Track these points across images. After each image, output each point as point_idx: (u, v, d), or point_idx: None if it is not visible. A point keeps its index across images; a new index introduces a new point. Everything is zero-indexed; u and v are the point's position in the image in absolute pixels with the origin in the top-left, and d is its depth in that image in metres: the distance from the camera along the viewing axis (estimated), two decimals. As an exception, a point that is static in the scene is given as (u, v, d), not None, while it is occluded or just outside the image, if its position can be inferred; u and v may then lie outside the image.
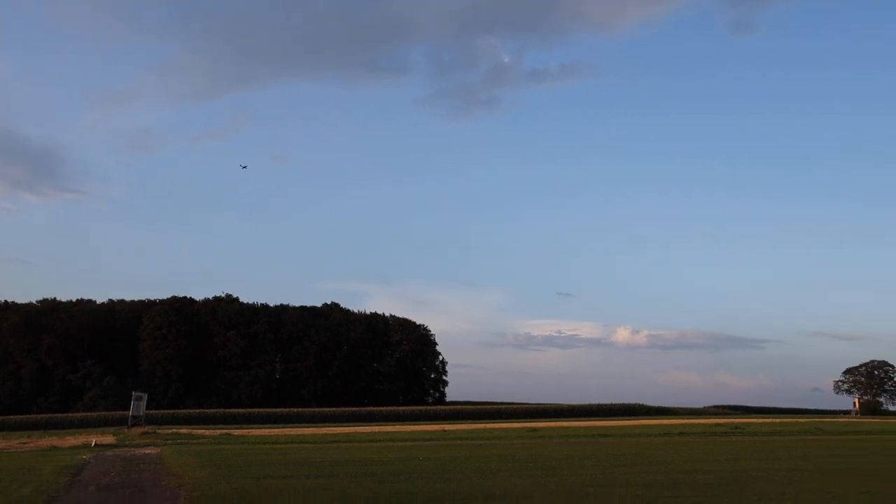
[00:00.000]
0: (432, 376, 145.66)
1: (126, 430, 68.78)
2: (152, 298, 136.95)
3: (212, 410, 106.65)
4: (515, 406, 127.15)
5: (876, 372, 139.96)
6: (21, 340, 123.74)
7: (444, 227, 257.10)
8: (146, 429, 67.67)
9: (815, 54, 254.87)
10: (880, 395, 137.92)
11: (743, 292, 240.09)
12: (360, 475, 25.54)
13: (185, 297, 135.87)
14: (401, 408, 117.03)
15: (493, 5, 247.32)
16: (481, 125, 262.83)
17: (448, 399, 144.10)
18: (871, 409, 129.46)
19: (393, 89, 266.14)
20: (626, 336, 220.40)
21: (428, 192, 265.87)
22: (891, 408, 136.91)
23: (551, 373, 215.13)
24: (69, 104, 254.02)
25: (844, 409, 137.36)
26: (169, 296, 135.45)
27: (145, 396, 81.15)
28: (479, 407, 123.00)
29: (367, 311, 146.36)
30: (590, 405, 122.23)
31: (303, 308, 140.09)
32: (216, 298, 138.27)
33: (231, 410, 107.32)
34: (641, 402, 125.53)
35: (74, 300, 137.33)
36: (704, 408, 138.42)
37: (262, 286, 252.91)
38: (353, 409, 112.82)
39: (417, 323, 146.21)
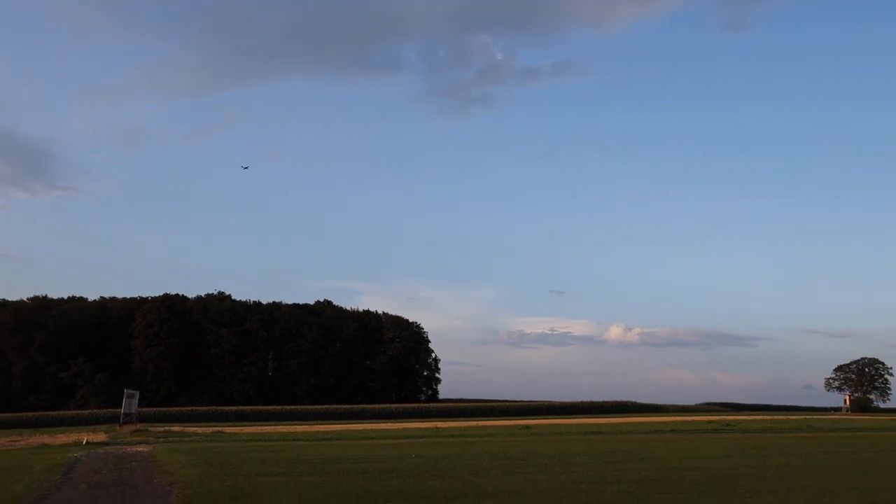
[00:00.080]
0: (425, 374, 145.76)
1: (118, 427, 68.62)
2: (144, 296, 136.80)
3: (204, 408, 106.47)
4: (508, 403, 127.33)
5: (867, 369, 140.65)
6: (12, 338, 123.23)
7: (438, 225, 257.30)
8: (138, 426, 67.51)
9: (807, 52, 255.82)
10: (871, 393, 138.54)
11: (735, 290, 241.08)
12: (353, 473, 25.53)
13: (177, 295, 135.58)
14: (393, 405, 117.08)
15: (487, 3, 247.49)
16: (474, 123, 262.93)
17: (441, 397, 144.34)
18: (861, 406, 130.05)
19: (386, 87, 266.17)
20: (619, 334, 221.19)
21: (421, 190, 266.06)
22: (881, 405, 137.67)
23: (544, 370, 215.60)
24: (60, 101, 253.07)
25: (835, 406, 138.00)
26: (161, 293, 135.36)
27: (137, 394, 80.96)
28: (471, 404, 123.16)
29: (360, 309, 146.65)
30: (582, 403, 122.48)
31: (295, 305, 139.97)
32: (208, 296, 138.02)
33: (223, 408, 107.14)
34: (634, 399, 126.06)
35: (66, 298, 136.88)
36: (696, 405, 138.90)
37: (255, 284, 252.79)
38: (346, 406, 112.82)
39: (410, 320, 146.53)
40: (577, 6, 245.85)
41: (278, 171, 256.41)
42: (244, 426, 77.45)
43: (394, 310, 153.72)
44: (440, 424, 74.21)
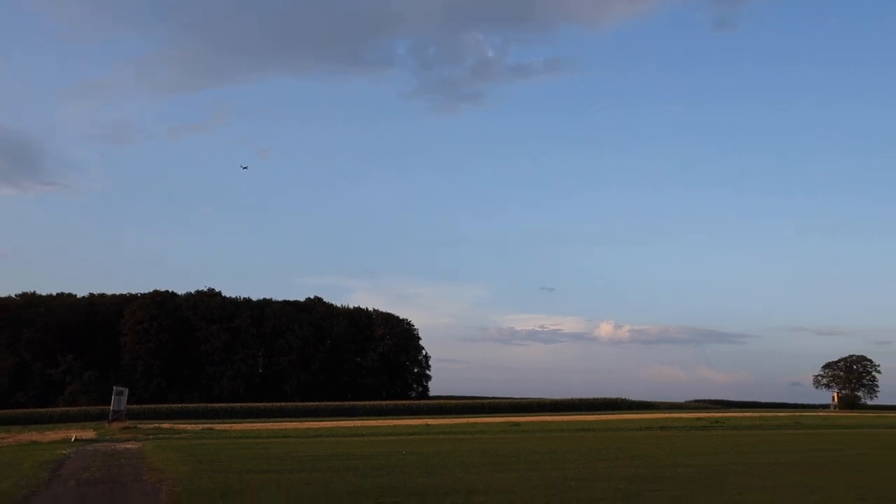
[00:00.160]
0: (415, 371, 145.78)
1: (107, 424, 68.34)
2: (133, 292, 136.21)
3: (194, 405, 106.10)
4: (498, 401, 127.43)
5: (854, 366, 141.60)
6: (0, 335, 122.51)
7: (428, 222, 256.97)
8: (127, 423, 67.24)
9: (795, 49, 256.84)
10: (858, 390, 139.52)
11: (725, 288, 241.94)
12: (343, 469, 25.51)
13: (166, 292, 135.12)
14: (384, 402, 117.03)
15: (478, 0, 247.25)
16: (465, 120, 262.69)
17: (431, 394, 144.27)
18: (849, 403, 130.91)
19: (377, 83, 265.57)
20: (609, 331, 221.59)
21: (412, 187, 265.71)
22: (869, 402, 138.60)
23: (534, 367, 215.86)
24: (48, 96, 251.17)
25: (823, 403, 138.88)
26: (151, 290, 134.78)
27: (126, 391, 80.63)
28: (462, 402, 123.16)
29: (351, 306, 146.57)
30: (572, 400, 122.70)
31: (286, 302, 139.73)
32: (198, 292, 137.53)
33: (213, 405, 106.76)
34: (624, 396, 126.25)
35: (54, 294, 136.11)
36: (686, 402, 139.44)
37: (245, 280, 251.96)
38: (336, 403, 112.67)
39: (401, 317, 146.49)
40: (569, 4, 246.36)
41: (268, 168, 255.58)
42: (234, 423, 77.24)
43: (384, 307, 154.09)
44: (431, 421, 74.22)
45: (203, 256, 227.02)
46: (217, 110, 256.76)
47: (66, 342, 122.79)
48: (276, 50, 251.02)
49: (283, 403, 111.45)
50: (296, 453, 33.17)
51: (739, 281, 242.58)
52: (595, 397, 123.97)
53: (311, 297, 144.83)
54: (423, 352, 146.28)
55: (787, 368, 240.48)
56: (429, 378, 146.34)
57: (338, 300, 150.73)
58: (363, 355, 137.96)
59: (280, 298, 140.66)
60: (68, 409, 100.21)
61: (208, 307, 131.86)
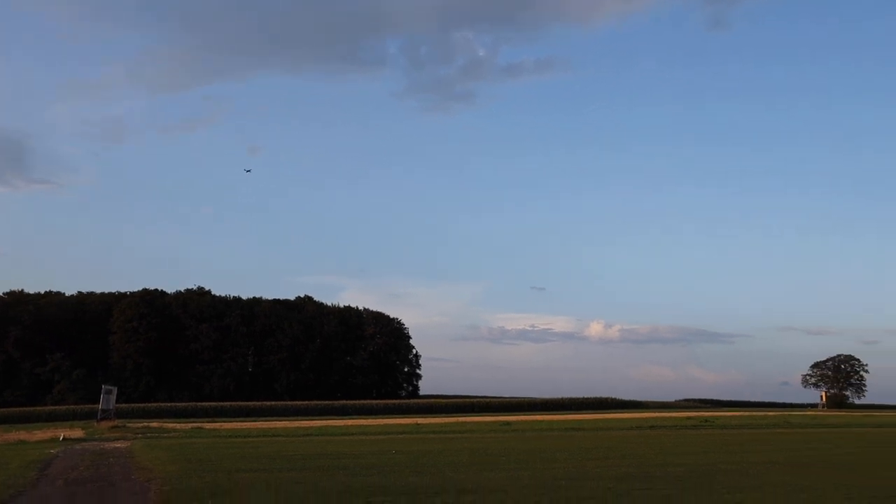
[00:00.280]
0: (406, 370, 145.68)
1: (95, 423, 68.01)
2: (123, 291, 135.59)
3: (183, 404, 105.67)
4: (489, 400, 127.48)
5: (843, 366, 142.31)
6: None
7: (419, 221, 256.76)
8: (116, 422, 66.95)
9: (788, 48, 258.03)
10: (846, 389, 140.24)
11: (714, 287, 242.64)
12: (333, 468, 25.48)
13: (156, 290, 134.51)
14: (374, 401, 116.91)
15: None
16: (456, 119, 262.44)
17: (421, 393, 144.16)
18: (837, 402, 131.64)
19: (369, 82, 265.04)
20: (600, 330, 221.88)
21: (403, 186, 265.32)
22: (857, 401, 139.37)
23: (525, 367, 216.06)
24: (39, 94, 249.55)
25: (812, 402, 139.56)
26: (140, 288, 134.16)
27: (115, 390, 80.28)
28: (452, 401, 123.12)
29: (341, 305, 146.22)
30: (563, 399, 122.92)
31: (276, 301, 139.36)
32: (188, 291, 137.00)
33: (203, 404, 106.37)
34: (614, 395, 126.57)
35: (43, 292, 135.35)
36: (676, 401, 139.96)
37: (235, 279, 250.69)
38: (326, 402, 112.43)
39: (391, 316, 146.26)
40: (560, 3, 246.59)
41: (260, 167, 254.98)
42: (224, 422, 77.00)
43: (374, 306, 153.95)
44: (421, 421, 74.20)
45: (193, 255, 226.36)
46: (209, 109, 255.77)
47: (54, 341, 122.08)
48: (268, 49, 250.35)
49: (272, 402, 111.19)
50: (285, 452, 33.10)
51: (729, 281, 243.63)
52: (585, 397, 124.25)
53: (302, 295, 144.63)
54: (414, 351, 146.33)
55: (777, 368, 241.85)
56: (419, 377, 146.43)
57: (328, 299, 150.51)
58: (353, 354, 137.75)
59: (270, 297, 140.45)
60: (56, 407, 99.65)
61: (198, 306, 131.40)
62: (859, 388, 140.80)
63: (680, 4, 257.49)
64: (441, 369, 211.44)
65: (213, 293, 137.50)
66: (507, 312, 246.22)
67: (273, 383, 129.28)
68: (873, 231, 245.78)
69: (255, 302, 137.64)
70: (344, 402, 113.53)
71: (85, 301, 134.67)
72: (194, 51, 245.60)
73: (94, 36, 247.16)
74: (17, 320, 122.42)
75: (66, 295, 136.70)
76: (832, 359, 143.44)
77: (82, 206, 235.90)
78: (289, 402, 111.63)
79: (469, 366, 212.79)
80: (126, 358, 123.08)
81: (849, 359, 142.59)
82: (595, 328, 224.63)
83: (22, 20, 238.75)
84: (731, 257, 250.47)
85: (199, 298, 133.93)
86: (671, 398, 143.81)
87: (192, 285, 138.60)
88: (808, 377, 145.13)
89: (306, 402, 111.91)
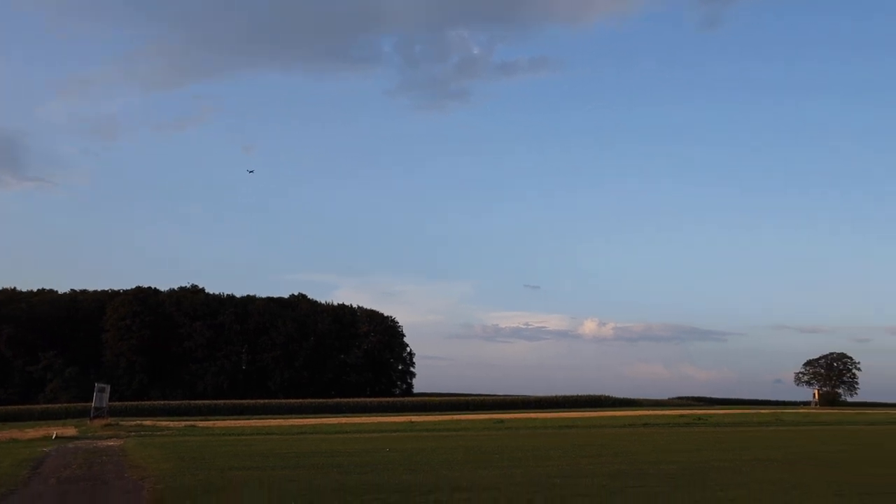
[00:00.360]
0: (400, 368, 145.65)
1: (88, 421, 67.78)
2: (116, 289, 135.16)
3: (176, 402, 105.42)
4: (482, 398, 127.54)
5: (835, 364, 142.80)
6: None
7: (413, 219, 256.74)
8: (109, 420, 66.72)
9: (781, 47, 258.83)
10: (839, 387, 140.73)
11: (707, 286, 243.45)
12: (327, 466, 25.46)
13: (149, 288, 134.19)
14: (368, 399, 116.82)
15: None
16: (450, 117, 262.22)
17: (415, 391, 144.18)
18: (829, 400, 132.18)
19: (362, 80, 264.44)
20: (593, 328, 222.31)
21: (397, 184, 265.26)
22: (849, 399, 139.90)
23: (518, 365, 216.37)
24: (32, 91, 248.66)
25: (804, 400, 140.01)
26: (133, 286, 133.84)
27: (108, 388, 79.95)
28: (446, 399, 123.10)
29: (335, 303, 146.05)
30: (556, 397, 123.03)
31: (269, 299, 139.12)
32: (181, 289, 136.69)
33: (196, 402, 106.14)
34: (607, 393, 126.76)
35: (35, 290, 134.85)
36: (669, 399, 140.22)
37: (229, 277, 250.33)
38: (320, 400, 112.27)
39: (385, 314, 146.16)
40: (554, 2, 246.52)
41: (252, 165, 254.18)
42: (217, 420, 76.84)
43: (369, 304, 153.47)
44: (414, 418, 74.21)
45: (187, 253, 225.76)
46: (203, 107, 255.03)
47: (47, 339, 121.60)
48: (261, 47, 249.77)
49: (266, 400, 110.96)
50: (279, 450, 33.07)
51: (722, 279, 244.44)
52: (579, 394, 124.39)
53: (296, 293, 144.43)
54: (408, 349, 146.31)
55: (770, 366, 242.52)
56: (413, 375, 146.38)
57: (322, 297, 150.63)
58: (347, 352, 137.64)
59: (264, 295, 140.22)
60: (49, 406, 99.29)
61: (191, 304, 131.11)
62: (852, 385, 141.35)
63: (673, 4, 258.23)
64: (435, 367, 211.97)
65: (206, 291, 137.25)
66: (500, 310, 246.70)
67: (267, 381, 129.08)
68: (866, 230, 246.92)
69: (249, 300, 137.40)
70: (338, 400, 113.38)
71: (78, 299, 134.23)
72: (187, 48, 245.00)
73: (87, 33, 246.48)
74: (9, 318, 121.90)
75: (59, 293, 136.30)
76: (825, 357, 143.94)
77: (75, 203, 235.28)
78: (282, 401, 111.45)
79: (463, 364, 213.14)
80: (119, 356, 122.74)
81: (841, 357, 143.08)
82: (589, 326, 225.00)
83: (15, 17, 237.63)
84: (724, 256, 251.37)
85: (192, 296, 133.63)
86: (664, 396, 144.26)
87: (186, 283, 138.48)
88: (800, 375, 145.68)
89: (300, 400, 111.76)
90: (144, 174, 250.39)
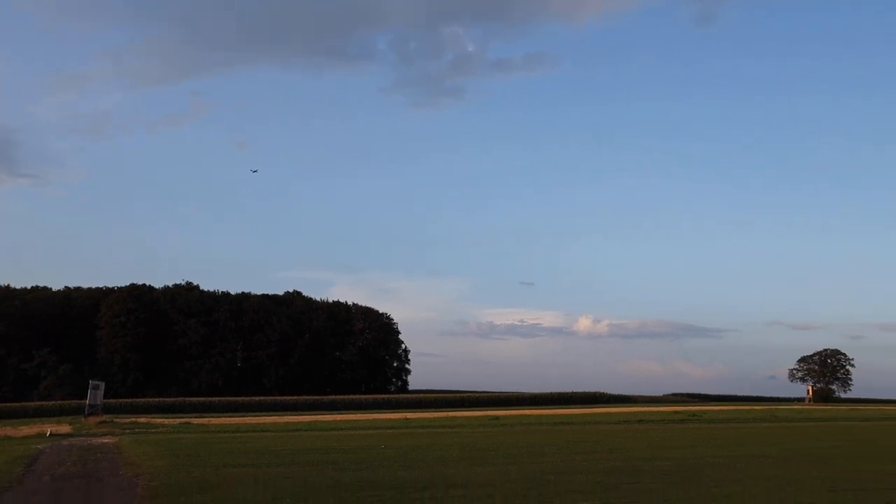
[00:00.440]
0: (395, 365, 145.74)
1: (83, 419, 67.65)
2: (110, 286, 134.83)
3: (171, 399, 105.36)
4: (478, 394, 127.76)
5: (829, 360, 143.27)
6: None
7: (408, 216, 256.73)
8: (103, 418, 66.63)
9: (778, 43, 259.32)
10: (832, 383, 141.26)
11: (702, 282, 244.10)
12: (322, 463, 25.45)
13: (144, 285, 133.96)
14: (363, 396, 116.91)
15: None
16: (445, 114, 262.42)
17: (410, 387, 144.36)
18: (823, 396, 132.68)
19: (357, 77, 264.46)
20: (588, 325, 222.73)
21: (392, 181, 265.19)
22: (842, 395, 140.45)
23: (513, 361, 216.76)
24: (25, 88, 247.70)
25: (798, 396, 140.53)
26: (128, 283, 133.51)
27: (102, 385, 79.85)
28: (441, 395, 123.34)
29: (330, 300, 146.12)
30: (551, 394, 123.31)
31: (264, 296, 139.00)
32: (176, 286, 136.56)
33: (191, 399, 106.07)
34: (602, 390, 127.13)
35: (29, 287, 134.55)
36: (664, 396, 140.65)
37: (224, 274, 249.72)
38: (315, 397, 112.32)
39: (380, 311, 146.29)
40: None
41: (247, 161, 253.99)
42: (212, 417, 76.78)
43: (364, 301, 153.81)
44: (410, 415, 74.26)
45: (181, 250, 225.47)
46: (197, 103, 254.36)
47: (41, 336, 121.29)
48: (257, 43, 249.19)
49: (261, 397, 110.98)
50: (274, 447, 33.04)
51: (717, 276, 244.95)
52: (574, 391, 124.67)
53: (291, 291, 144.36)
54: (403, 346, 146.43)
55: (764, 362, 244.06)
56: (408, 372, 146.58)
57: (317, 294, 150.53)
58: (342, 349, 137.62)
59: (259, 292, 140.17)
60: (43, 403, 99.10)
61: (186, 301, 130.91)
62: (845, 382, 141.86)
63: (667, 0, 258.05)
64: (430, 364, 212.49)
65: (201, 288, 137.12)
66: (495, 307, 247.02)
67: (262, 378, 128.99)
68: (860, 227, 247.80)
69: (244, 297, 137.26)
70: (333, 397, 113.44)
71: (72, 296, 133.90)
72: (181, 45, 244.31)
73: (80, 29, 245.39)
74: (3, 315, 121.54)
75: (53, 290, 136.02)
76: (818, 353, 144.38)
77: (69, 200, 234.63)
78: (277, 398, 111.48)
79: (458, 360, 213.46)
80: (114, 353, 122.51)
81: (835, 353, 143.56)
82: (584, 323, 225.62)
83: (7, 13, 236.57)
84: (718, 253, 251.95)
85: (187, 293, 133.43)
86: (659, 392, 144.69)
87: (181, 280, 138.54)
88: (794, 371, 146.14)
89: (295, 397, 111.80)
90: (139, 171, 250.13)
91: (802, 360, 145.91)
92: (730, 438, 38.26)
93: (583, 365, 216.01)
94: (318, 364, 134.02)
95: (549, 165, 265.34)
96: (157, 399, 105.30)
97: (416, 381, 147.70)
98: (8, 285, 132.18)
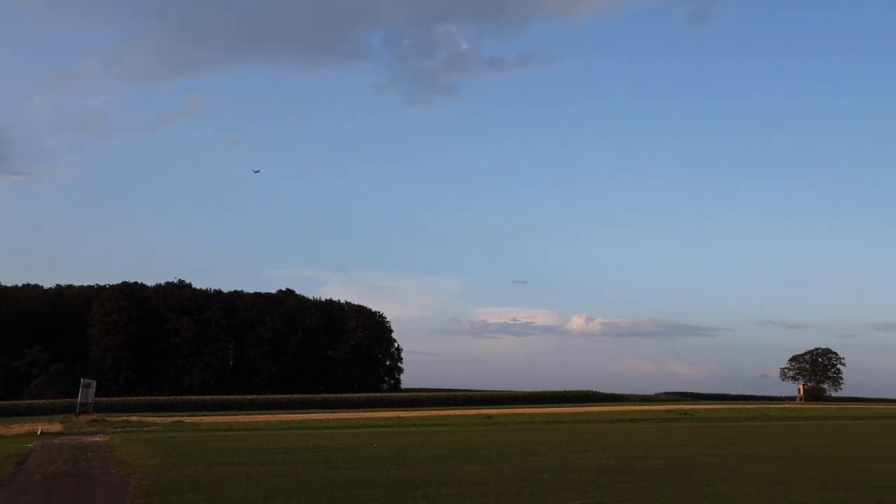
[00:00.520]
0: (388, 363, 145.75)
1: (74, 417, 67.40)
2: (102, 284, 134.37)
3: (163, 398, 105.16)
4: (470, 393, 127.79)
5: (820, 359, 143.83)
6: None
7: (401, 215, 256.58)
8: (95, 416, 66.40)
9: (773, 43, 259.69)
10: (824, 382, 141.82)
11: (694, 282, 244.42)
12: (314, 462, 25.42)
13: (136, 283, 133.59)
14: (356, 395, 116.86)
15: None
16: (439, 112, 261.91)
17: (403, 386, 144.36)
18: (814, 395, 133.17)
19: (351, 75, 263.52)
20: (581, 324, 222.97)
21: (385, 180, 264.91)
22: (834, 394, 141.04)
23: (506, 360, 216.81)
24: (18, 85, 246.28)
25: (790, 395, 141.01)
26: (119, 281, 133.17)
27: (94, 383, 79.59)
28: (434, 394, 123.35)
29: (323, 298, 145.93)
30: (544, 392, 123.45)
31: (257, 294, 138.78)
32: (168, 284, 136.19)
33: (183, 397, 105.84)
34: (595, 389, 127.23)
35: (20, 285, 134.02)
36: (656, 394, 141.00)
37: (216, 272, 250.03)
38: (308, 395, 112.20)
39: (373, 310, 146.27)
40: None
41: (241, 160, 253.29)
42: (204, 416, 76.58)
43: (356, 299, 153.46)
44: (402, 414, 74.24)
45: (173, 248, 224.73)
46: (191, 101, 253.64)
47: (32, 334, 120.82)
48: (251, 41, 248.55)
49: (253, 396, 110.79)
50: (267, 446, 32.98)
51: (709, 276, 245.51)
52: (566, 390, 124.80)
53: (283, 289, 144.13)
54: (396, 344, 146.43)
55: (755, 361, 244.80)
56: (401, 370, 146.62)
57: (310, 293, 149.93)
58: (335, 348, 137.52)
59: (251, 290, 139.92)
60: (34, 401, 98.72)
61: (178, 299, 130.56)
62: (836, 381, 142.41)
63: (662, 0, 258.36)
64: (423, 363, 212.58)
65: (193, 286, 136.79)
66: (488, 306, 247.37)
67: (254, 377, 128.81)
68: (854, 227, 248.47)
69: (237, 295, 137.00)
70: (325, 395, 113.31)
71: (63, 294, 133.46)
72: (174, 42, 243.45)
73: (73, 26, 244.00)
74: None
75: (45, 288, 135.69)
76: (810, 352, 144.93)
77: (61, 198, 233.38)
78: (270, 396, 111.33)
79: (451, 359, 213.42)
80: (105, 351, 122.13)
81: (826, 352, 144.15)
82: (576, 322, 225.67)
83: (0, 11, 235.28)
84: (711, 252, 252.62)
85: (179, 291, 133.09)
86: (651, 391, 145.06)
87: (173, 278, 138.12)
88: (786, 370, 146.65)
89: (288, 395, 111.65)
90: (132, 169, 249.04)
91: (794, 359, 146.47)
92: (721, 437, 38.38)
93: (575, 364, 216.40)
94: (310, 362, 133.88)
95: (542, 164, 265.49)
96: (148, 397, 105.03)
97: (408, 380, 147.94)
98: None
